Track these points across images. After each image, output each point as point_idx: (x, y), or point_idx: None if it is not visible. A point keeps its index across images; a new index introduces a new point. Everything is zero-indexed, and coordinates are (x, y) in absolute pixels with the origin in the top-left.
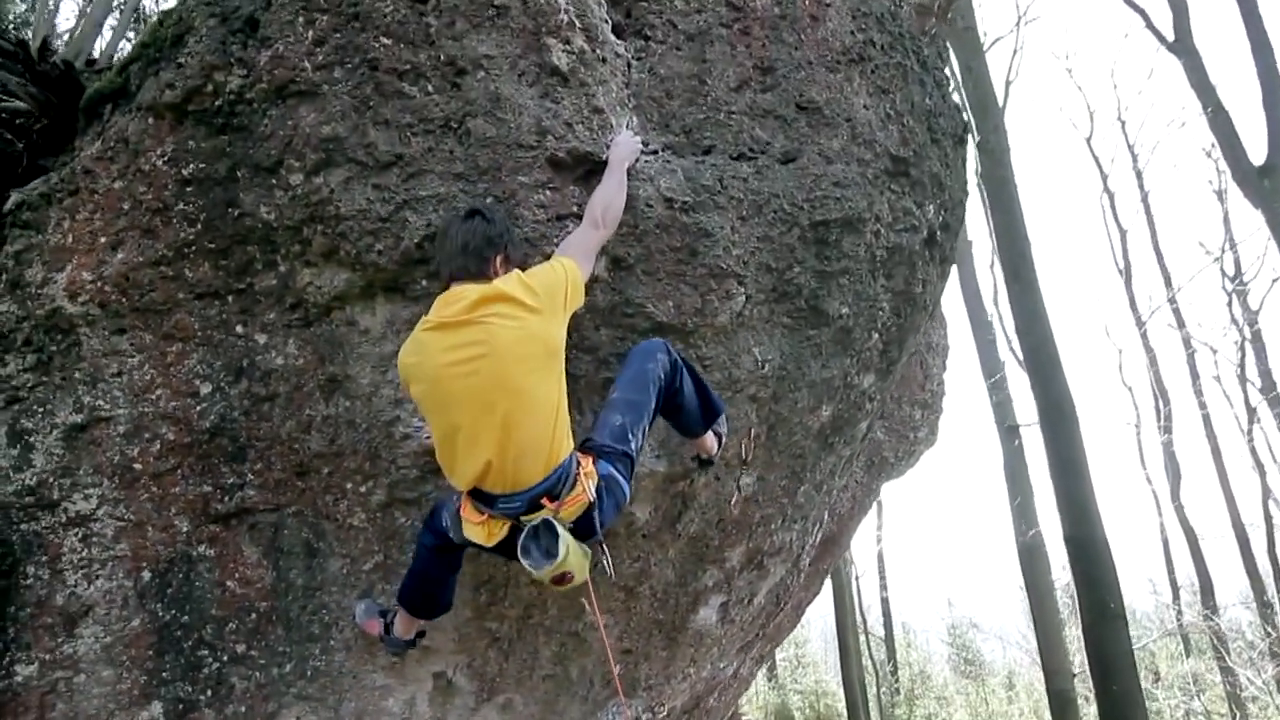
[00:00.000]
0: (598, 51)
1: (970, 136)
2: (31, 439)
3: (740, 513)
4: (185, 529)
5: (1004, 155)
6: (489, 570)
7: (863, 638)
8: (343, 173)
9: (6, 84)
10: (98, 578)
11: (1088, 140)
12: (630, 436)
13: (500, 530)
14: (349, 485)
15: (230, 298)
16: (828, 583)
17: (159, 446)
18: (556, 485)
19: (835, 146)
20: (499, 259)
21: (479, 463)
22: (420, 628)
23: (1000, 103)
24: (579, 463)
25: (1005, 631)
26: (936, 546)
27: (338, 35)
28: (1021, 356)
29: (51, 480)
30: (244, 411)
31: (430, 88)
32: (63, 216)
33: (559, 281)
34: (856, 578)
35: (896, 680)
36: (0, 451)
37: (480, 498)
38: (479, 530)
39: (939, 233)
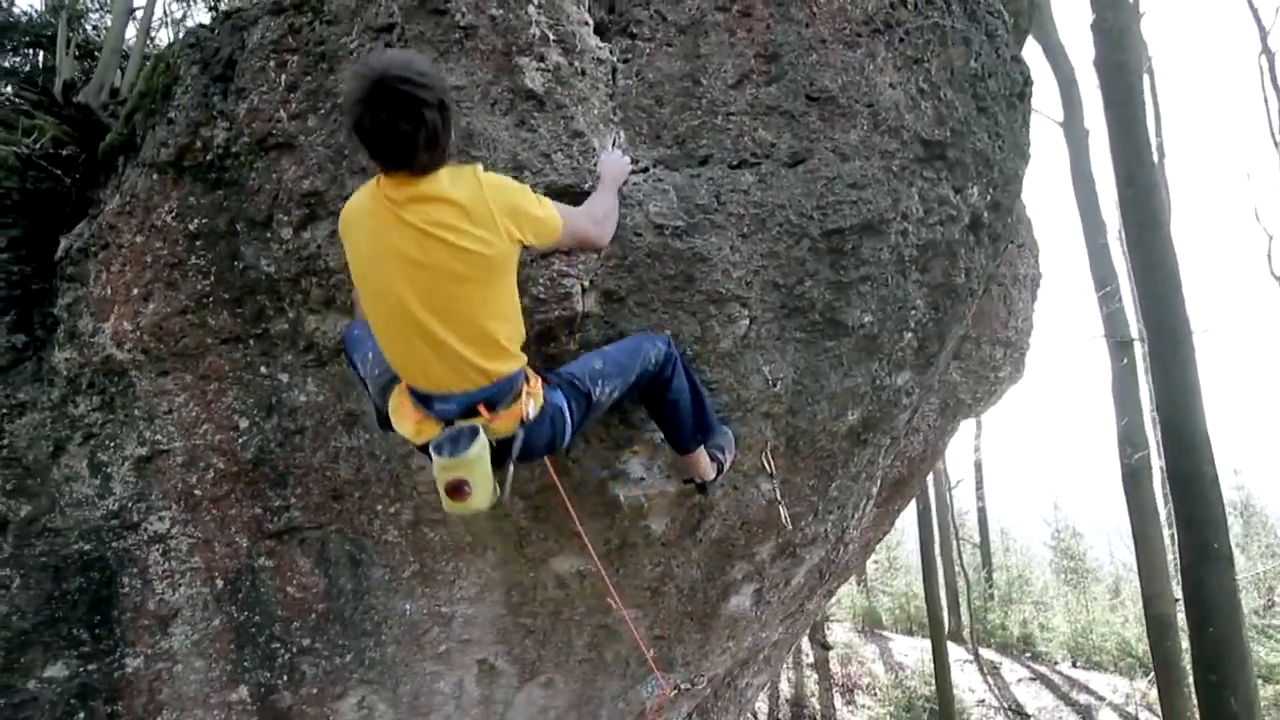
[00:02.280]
0: (576, 64)
1: (1031, 89)
2: (108, 470)
3: (766, 515)
4: (245, 544)
5: (1124, 37)
6: (518, 574)
7: (955, 544)
8: (327, 226)
9: (44, 125)
10: (180, 586)
11: None
12: (601, 381)
13: (430, 431)
14: (379, 507)
15: (251, 342)
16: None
17: (213, 474)
18: (496, 396)
19: (852, 140)
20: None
21: (408, 363)
22: None
23: None
24: (528, 380)
25: (1113, 538)
26: (1042, 451)
27: (308, 79)
28: (1132, 270)
29: (130, 505)
30: (279, 444)
31: None
32: (99, 270)
33: (522, 206)
34: (950, 488)
35: (990, 586)
36: (85, 482)
37: (418, 396)
38: (410, 426)
39: (986, 214)
